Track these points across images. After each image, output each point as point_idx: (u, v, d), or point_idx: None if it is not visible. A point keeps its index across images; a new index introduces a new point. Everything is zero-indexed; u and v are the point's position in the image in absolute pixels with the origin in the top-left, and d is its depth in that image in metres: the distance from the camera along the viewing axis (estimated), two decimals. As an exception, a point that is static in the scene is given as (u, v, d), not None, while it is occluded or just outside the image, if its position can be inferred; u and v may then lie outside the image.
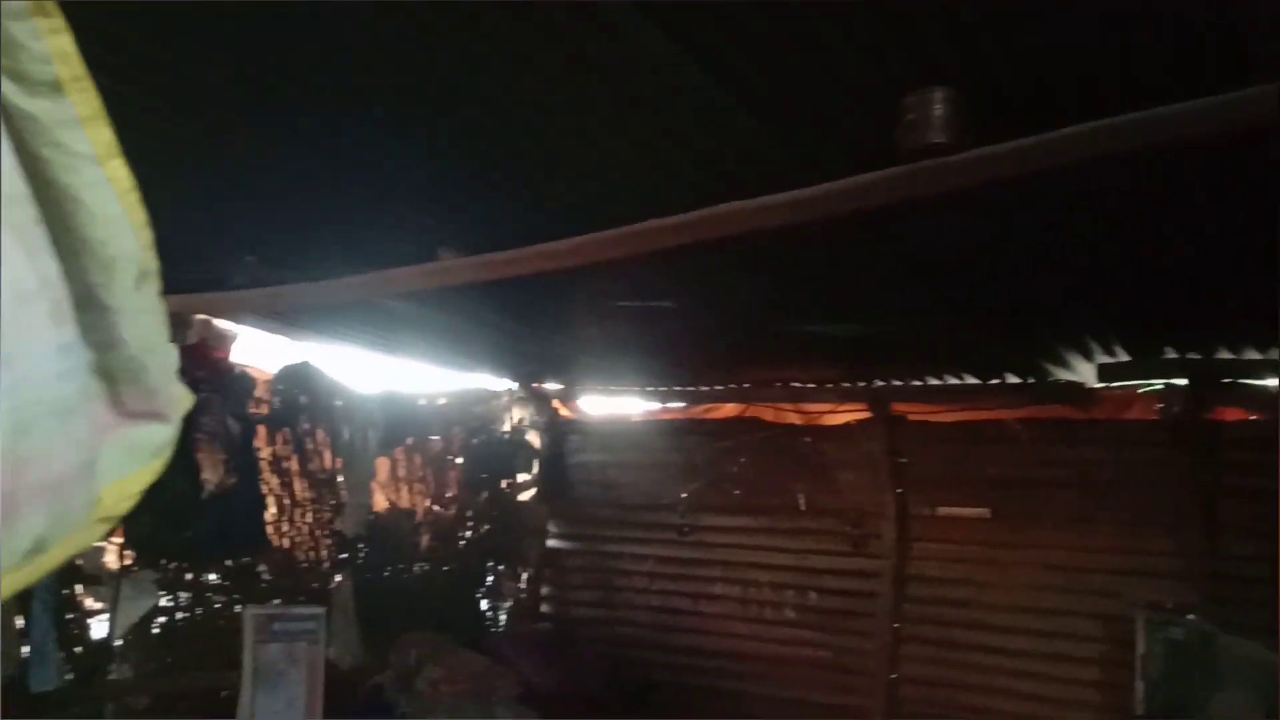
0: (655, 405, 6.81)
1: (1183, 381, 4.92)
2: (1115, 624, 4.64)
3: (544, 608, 6.98)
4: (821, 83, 2.37)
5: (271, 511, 5.20)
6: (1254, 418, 4.85)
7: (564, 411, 7.06)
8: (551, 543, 7.03)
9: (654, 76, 2.39)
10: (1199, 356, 4.84)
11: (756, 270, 3.93)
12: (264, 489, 5.08)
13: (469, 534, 6.63)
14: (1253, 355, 4.77)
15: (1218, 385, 4.88)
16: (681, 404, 6.64)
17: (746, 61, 2.30)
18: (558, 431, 7.02)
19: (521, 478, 6.95)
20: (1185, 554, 4.78)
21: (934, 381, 5.51)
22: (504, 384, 6.81)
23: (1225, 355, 4.82)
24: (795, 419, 6.14)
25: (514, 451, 6.90)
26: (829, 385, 5.88)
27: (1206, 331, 4.70)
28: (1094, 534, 5.03)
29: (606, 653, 6.33)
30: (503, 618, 6.83)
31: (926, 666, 5.50)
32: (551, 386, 6.94)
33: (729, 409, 6.39)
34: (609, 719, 5.50)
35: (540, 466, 6.98)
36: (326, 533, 5.51)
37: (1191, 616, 4.08)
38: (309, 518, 5.44)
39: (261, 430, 5.09)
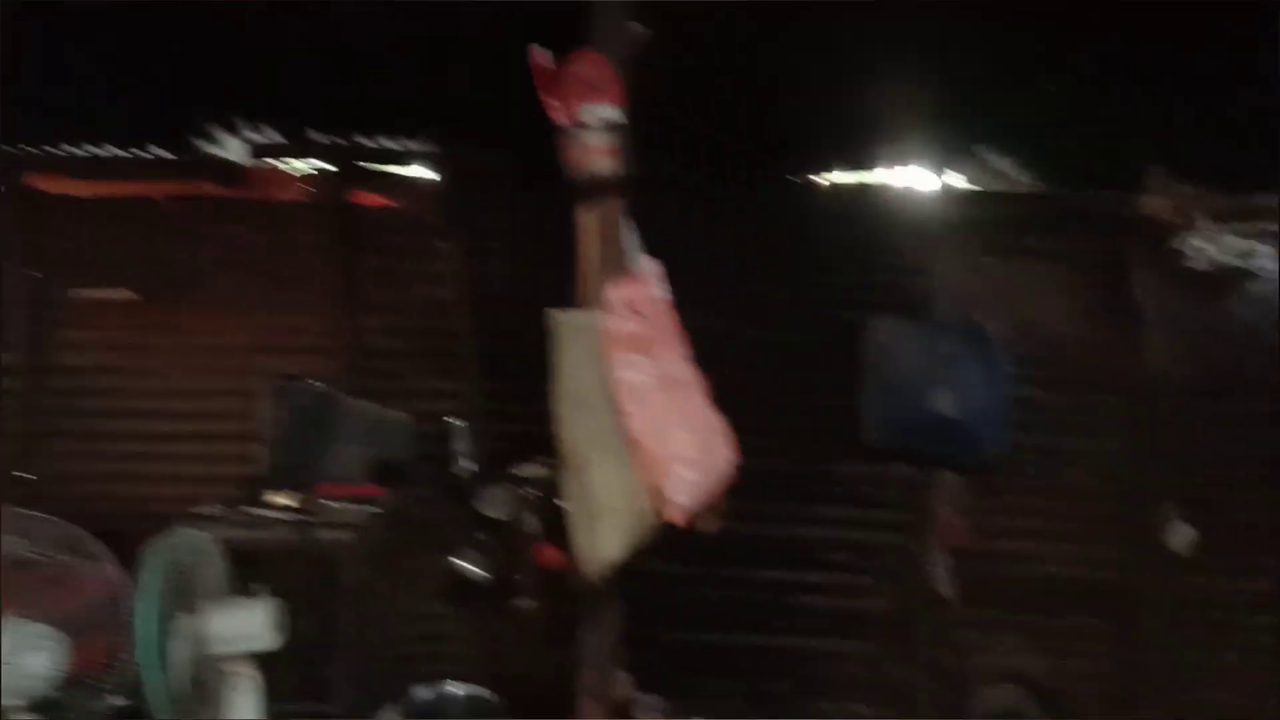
0: None
1: (331, 166, 5.10)
2: (254, 398, 4.76)
3: None
4: None
5: None
6: (395, 204, 5.22)
7: None
8: None
9: None
10: (346, 142, 5.06)
11: None
12: None
13: None
14: (397, 145, 5.14)
15: (364, 171, 5.15)
16: None
17: None
18: None
19: None
20: (327, 330, 5.09)
21: (71, 151, 4.94)
22: None
23: (372, 143, 5.11)
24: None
25: None
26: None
27: (355, 117, 4.93)
28: (242, 313, 5.07)
29: None
30: None
31: (71, 462, 5.09)
32: None
33: None
34: None
35: None
36: None
37: (315, 383, 4.35)
38: None
39: None
